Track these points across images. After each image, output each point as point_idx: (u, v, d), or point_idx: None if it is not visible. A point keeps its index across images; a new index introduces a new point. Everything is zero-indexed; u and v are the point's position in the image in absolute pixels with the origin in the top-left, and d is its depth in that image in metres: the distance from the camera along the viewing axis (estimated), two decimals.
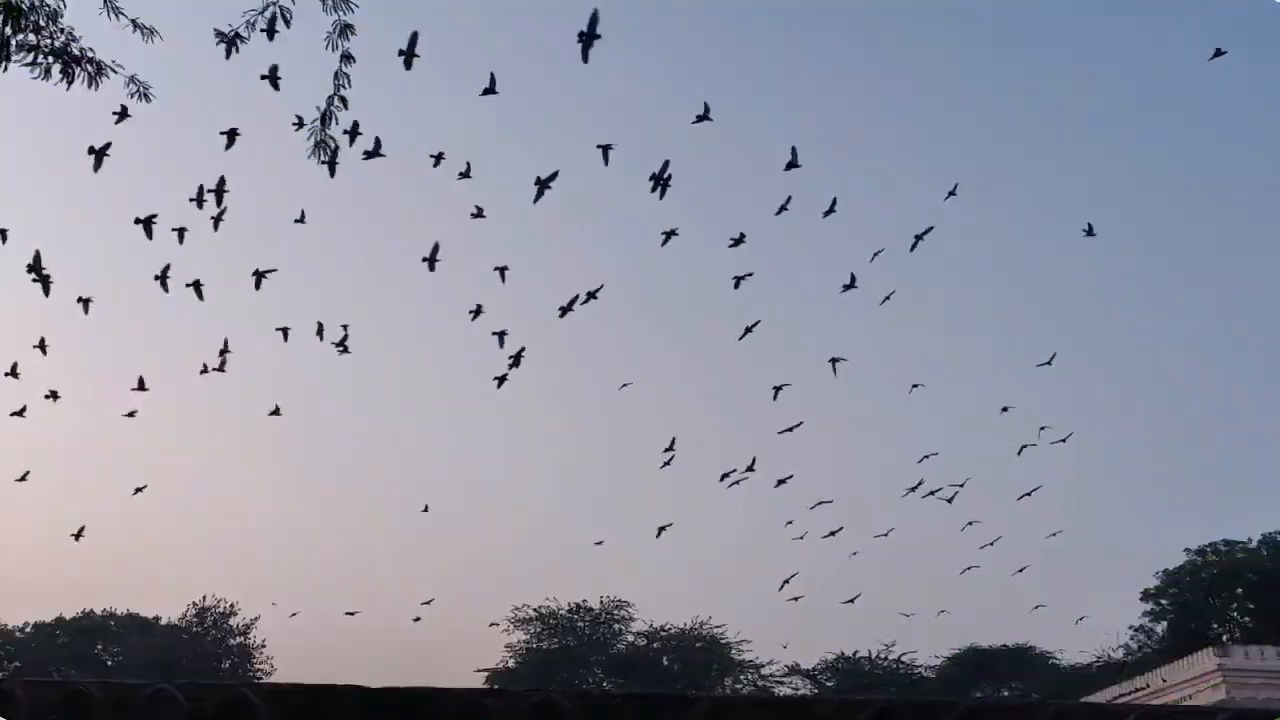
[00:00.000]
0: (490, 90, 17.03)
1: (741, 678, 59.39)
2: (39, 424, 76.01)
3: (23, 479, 27.32)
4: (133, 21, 7.45)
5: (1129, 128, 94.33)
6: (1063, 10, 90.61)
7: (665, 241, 22.40)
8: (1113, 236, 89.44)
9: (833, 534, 33.42)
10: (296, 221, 21.97)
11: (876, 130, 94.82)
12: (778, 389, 26.57)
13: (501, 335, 23.50)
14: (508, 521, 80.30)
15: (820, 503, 33.34)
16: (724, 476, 29.09)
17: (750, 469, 28.55)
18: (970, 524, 35.04)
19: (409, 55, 15.36)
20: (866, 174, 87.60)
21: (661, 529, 31.48)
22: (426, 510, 35.55)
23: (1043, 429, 30.70)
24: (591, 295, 22.72)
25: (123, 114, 15.12)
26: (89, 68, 7.46)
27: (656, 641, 60.17)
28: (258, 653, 60.82)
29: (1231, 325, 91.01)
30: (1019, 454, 30.63)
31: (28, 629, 59.52)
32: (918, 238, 23.19)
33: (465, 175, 20.00)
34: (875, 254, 24.66)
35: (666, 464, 27.82)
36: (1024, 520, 71.50)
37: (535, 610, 59.94)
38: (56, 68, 7.47)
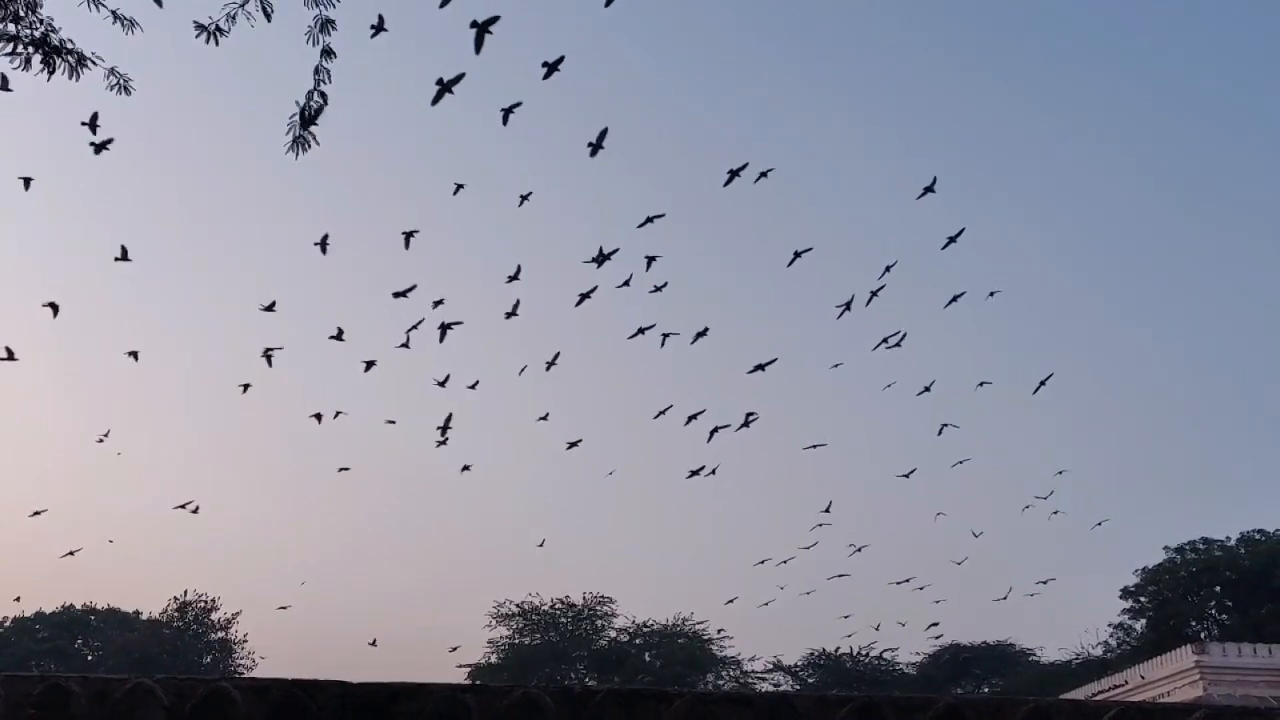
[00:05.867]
0: (380, 28, 16.10)
1: (724, 674, 59.49)
2: (22, 420, 75.65)
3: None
4: (113, 13, 7.41)
5: (1118, 128, 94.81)
6: (1057, 12, 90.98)
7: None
8: (1099, 234, 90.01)
9: (828, 514, 34.16)
10: (458, 187, 21.61)
11: (871, 131, 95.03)
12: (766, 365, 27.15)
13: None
14: (493, 518, 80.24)
15: (820, 524, 34.31)
16: (693, 473, 29.67)
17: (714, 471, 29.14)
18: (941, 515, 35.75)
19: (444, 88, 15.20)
20: (859, 175, 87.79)
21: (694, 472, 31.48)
22: (542, 544, 36.37)
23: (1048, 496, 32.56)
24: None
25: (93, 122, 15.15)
26: (69, 59, 7.42)
27: (639, 638, 60.22)
28: (239, 647, 60.66)
29: (1212, 326, 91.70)
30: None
31: (7, 623, 59.13)
32: (951, 239, 23.50)
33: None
34: (887, 268, 25.23)
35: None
36: (1004, 520, 71.94)
37: (518, 606, 59.93)
38: (37, 58, 7.42)
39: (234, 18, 7.22)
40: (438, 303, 23.97)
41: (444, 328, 23.64)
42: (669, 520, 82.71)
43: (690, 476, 29.04)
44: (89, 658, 58.65)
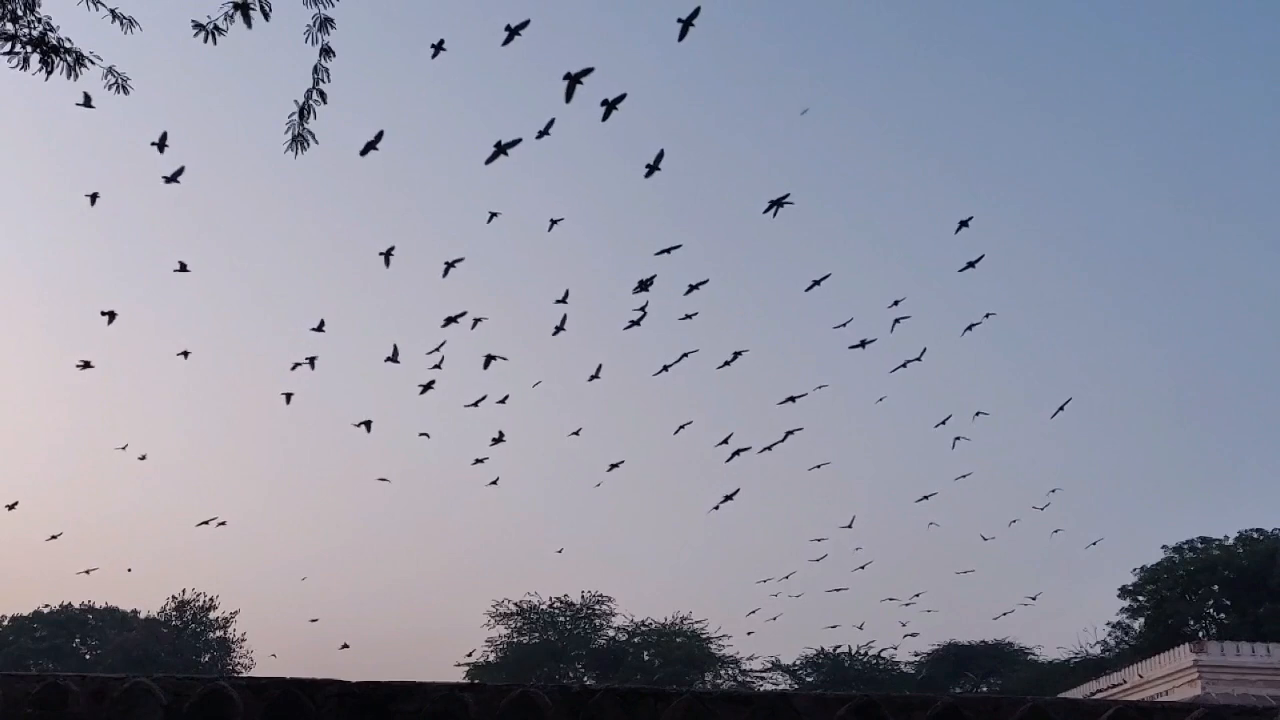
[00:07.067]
0: (439, 48, 16.40)
1: (722, 673, 59.47)
2: (19, 418, 75.62)
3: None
4: (111, 11, 7.40)
5: (1117, 127, 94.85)
6: (1057, 11, 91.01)
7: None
8: (1096, 234, 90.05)
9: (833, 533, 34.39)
10: (493, 215, 22.44)
11: (870, 130, 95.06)
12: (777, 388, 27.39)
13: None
14: (492, 518, 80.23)
15: (817, 539, 34.54)
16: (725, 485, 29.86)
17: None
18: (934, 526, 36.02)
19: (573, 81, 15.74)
20: (862, 175, 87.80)
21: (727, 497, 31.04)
22: (561, 552, 35.59)
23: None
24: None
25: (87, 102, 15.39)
26: (67, 58, 7.42)
27: (638, 636, 60.19)
28: (237, 646, 60.60)
29: (1210, 323, 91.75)
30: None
31: (5, 622, 59.05)
32: (962, 223, 23.73)
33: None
34: (897, 304, 25.66)
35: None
36: (1003, 519, 71.91)
37: (516, 605, 59.92)
38: (35, 57, 7.41)
39: (232, 17, 7.22)
40: (471, 320, 24.43)
41: (489, 359, 24.77)
42: (668, 520, 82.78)
43: (724, 501, 29.46)
44: (87, 657, 58.53)
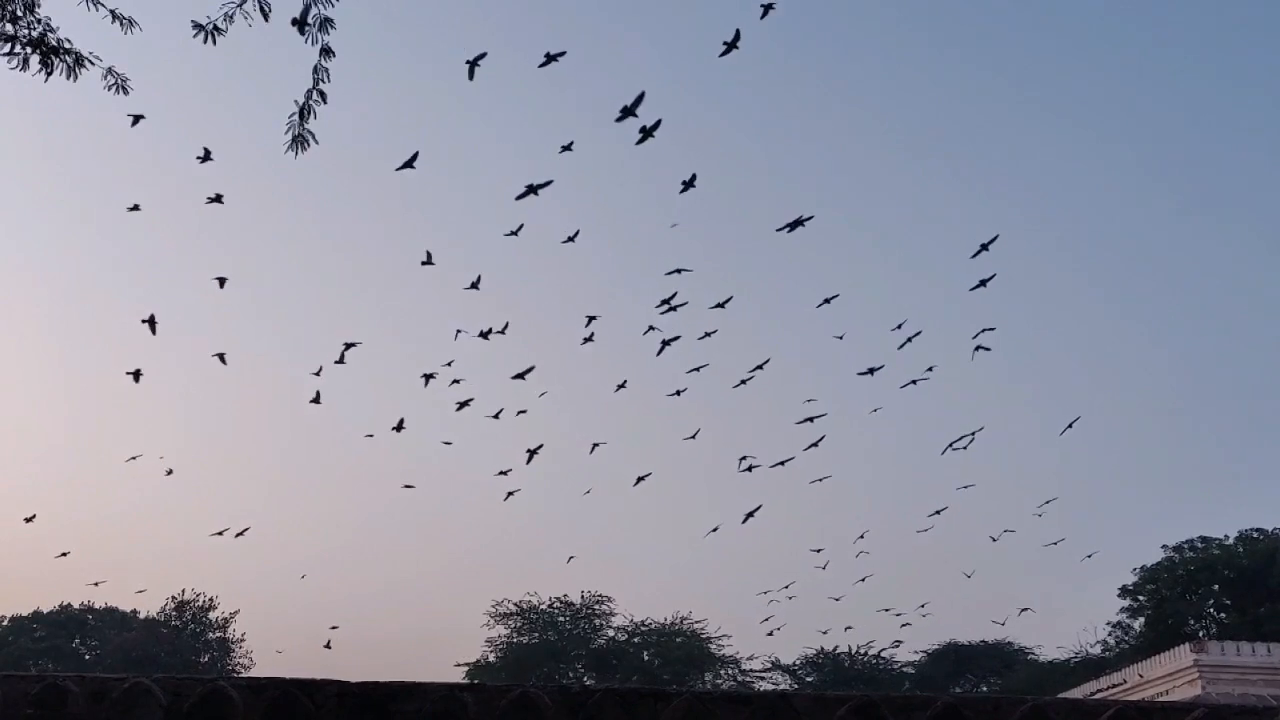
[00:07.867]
0: (475, 64, 16.96)
1: (722, 673, 59.46)
2: (17, 419, 75.58)
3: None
4: (111, 12, 7.40)
5: (1118, 125, 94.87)
6: (1056, 12, 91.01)
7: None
8: (1097, 235, 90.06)
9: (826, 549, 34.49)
10: (516, 230, 23.01)
11: (870, 130, 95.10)
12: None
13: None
14: (492, 516, 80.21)
15: (816, 549, 34.61)
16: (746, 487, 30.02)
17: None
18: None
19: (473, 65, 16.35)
20: (861, 175, 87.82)
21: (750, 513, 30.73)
22: (571, 560, 36.64)
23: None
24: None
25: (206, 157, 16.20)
26: (67, 59, 7.41)
27: (637, 636, 60.19)
28: (237, 646, 60.60)
29: (1210, 324, 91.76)
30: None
31: (4, 623, 59.03)
32: (983, 246, 23.79)
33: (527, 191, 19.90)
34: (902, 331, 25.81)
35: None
36: (1004, 519, 71.91)
37: (516, 605, 59.91)
38: (35, 58, 7.41)
39: (231, 17, 7.21)
40: (490, 329, 24.66)
41: (519, 376, 25.34)
42: (668, 521, 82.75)
43: (747, 518, 29.61)
44: (86, 657, 58.54)
